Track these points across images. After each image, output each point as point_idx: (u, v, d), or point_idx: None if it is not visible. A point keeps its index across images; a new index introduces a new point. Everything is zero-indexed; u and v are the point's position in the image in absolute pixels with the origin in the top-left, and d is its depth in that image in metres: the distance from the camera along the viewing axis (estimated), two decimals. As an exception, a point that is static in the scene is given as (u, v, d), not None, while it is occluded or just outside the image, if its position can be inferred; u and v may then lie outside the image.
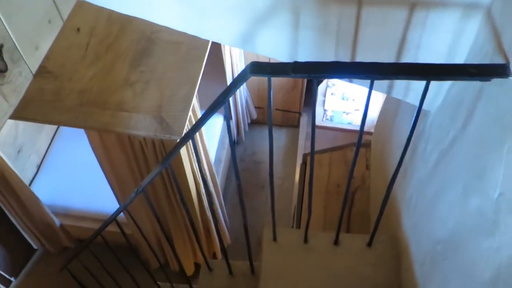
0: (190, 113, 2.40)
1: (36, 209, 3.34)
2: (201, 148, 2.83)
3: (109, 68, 2.39)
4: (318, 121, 3.76)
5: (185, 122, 2.25)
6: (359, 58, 1.38)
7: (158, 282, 2.59)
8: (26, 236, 3.72)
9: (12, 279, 3.83)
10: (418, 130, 1.62)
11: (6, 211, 3.39)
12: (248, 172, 4.49)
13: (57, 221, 3.55)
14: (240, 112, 4.16)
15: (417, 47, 1.24)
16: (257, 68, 1.11)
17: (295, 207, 2.89)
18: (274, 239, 1.86)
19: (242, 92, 3.99)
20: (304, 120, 4.70)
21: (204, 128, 2.79)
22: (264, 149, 4.65)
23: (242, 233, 4.05)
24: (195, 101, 2.51)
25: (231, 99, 3.89)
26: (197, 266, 3.75)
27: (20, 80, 1.02)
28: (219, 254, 3.80)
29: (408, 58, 1.28)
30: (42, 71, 2.32)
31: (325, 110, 4.07)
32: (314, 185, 2.84)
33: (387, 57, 1.32)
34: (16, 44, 0.97)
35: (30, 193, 3.18)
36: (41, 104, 2.26)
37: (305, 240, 1.82)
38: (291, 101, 4.40)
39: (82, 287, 2.81)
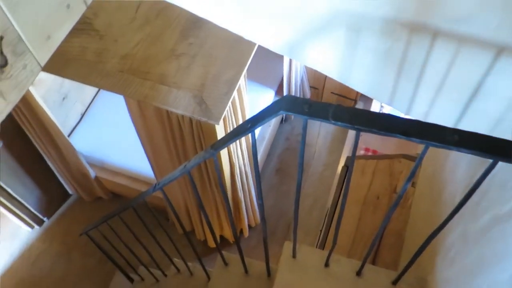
0: (235, 94, 2.26)
1: (73, 159, 3.37)
2: (239, 122, 2.69)
3: (157, 35, 2.26)
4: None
5: (226, 107, 2.11)
6: (421, 96, 1.17)
7: (173, 259, 2.54)
8: (62, 181, 3.80)
9: (45, 219, 3.95)
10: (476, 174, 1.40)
11: (45, 156, 3.45)
12: (291, 152, 4.34)
13: (92, 173, 3.58)
14: (293, 90, 3.97)
15: (492, 95, 1.01)
16: (292, 105, 0.94)
17: (327, 214, 2.72)
18: (294, 256, 1.72)
19: (298, 69, 3.78)
20: (359, 107, 4.44)
21: (249, 105, 2.64)
22: (312, 132, 4.47)
23: (272, 213, 4.04)
24: (242, 83, 2.36)
25: (285, 76, 3.69)
26: (222, 238, 3.71)
27: (24, 74, 0.89)
28: (246, 232, 3.74)
29: (479, 105, 1.06)
30: (88, 28, 2.23)
31: (381, 107, 3.79)
32: (352, 193, 2.67)
33: (456, 100, 1.10)
34: (21, 36, 0.85)
35: (67, 143, 3.19)
36: (82, 64, 2.17)
37: (326, 264, 1.67)
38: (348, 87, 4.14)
39: (101, 250, 2.82)
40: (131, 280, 3.13)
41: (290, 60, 3.53)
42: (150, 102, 2.14)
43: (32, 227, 3.93)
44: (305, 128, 1.03)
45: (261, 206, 1.43)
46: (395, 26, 1.09)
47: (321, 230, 2.75)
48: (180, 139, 2.42)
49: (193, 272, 2.46)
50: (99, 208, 4.01)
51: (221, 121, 2.12)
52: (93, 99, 3.82)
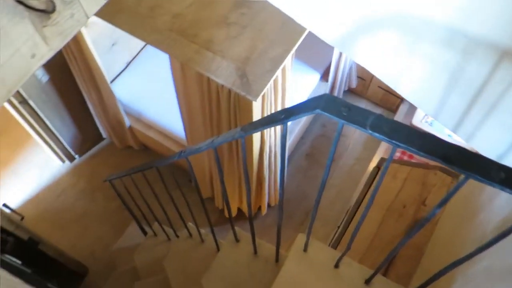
0: (279, 73, 2.21)
1: (111, 105, 3.42)
2: (279, 105, 2.63)
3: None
4: (417, 121, 3.37)
5: (267, 84, 2.06)
6: (472, 115, 1.09)
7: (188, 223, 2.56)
8: (98, 124, 3.88)
9: (76, 156, 4.07)
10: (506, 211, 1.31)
11: (86, 97, 3.51)
12: (325, 139, 4.26)
13: (127, 122, 3.63)
14: (340, 77, 3.86)
15: None
16: (331, 106, 0.89)
17: (348, 211, 2.67)
18: (305, 250, 1.69)
19: (347, 57, 3.66)
20: (404, 108, 4.28)
21: (288, 86, 2.58)
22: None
23: (294, 196, 4.01)
24: (288, 62, 2.29)
25: (334, 61, 3.59)
26: (239, 211, 3.73)
27: (70, 23, 0.88)
28: (264, 210, 3.74)
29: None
30: (146, -19, 2.20)
31: (425, 115, 3.63)
32: (378, 196, 2.59)
33: (509, 126, 1.01)
34: (74, -17, 0.83)
35: (109, 89, 3.23)
36: (133, 16, 2.16)
37: (336, 265, 1.64)
38: (398, 85, 3.99)
39: (121, 199, 2.88)
40: (144, 232, 3.20)
41: (343, 47, 3.41)
42: (193, 66, 2.11)
43: (63, 161, 4.06)
44: (339, 132, 0.97)
45: (281, 195, 1.39)
46: (460, 38, 1.01)
47: (338, 226, 2.70)
48: (216, 108, 2.39)
49: (204, 240, 2.48)
50: (128, 156, 4.10)
51: (260, 98, 2.08)
52: (141, 50, 3.83)
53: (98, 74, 3.10)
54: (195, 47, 2.12)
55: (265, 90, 2.06)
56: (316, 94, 3.86)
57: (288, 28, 2.18)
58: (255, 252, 2.05)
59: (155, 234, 3.02)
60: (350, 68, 3.96)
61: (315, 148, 4.20)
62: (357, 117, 0.89)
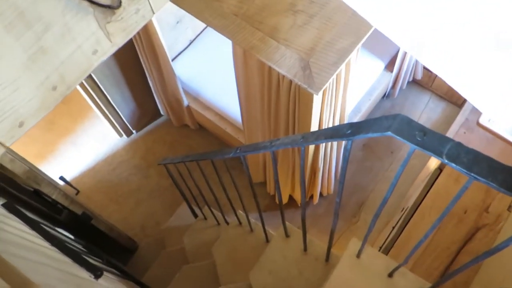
0: (343, 66, 2.10)
1: (171, 83, 3.43)
2: (339, 98, 2.52)
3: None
4: (484, 120, 3.13)
5: (330, 78, 1.96)
6: None
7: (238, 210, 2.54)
8: (157, 101, 3.92)
9: (133, 131, 4.16)
10: None
11: (146, 73, 3.55)
12: (384, 131, 4.10)
13: (185, 101, 3.65)
14: (405, 68, 3.67)
15: None
16: (404, 129, 0.80)
17: (404, 211, 2.54)
18: (358, 255, 1.62)
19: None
20: (470, 104, 4.02)
21: (351, 79, 2.46)
22: (418, 106, 4.17)
23: (347, 187, 3.90)
24: (354, 55, 2.18)
25: (401, 51, 3.40)
26: (290, 198, 3.69)
27: (135, 19, 0.84)
28: (316, 199, 3.67)
29: None
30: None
31: (489, 120, 3.37)
32: (438, 199, 2.46)
33: None
34: (142, -22, 0.78)
35: (170, 66, 3.24)
36: (210, 4, 2.12)
37: (390, 275, 1.56)
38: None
39: (174, 182, 2.90)
40: (195, 214, 3.23)
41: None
42: (256, 54, 2.05)
43: (120, 135, 4.16)
44: (409, 155, 0.89)
45: (337, 204, 1.32)
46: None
47: (393, 227, 2.60)
48: (276, 98, 2.33)
49: (254, 229, 2.46)
50: (184, 135, 4.14)
51: (321, 92, 1.99)
52: (204, 29, 3.80)
53: (160, 52, 3.10)
54: (260, 35, 2.05)
55: (327, 84, 1.97)
56: (379, 84, 3.71)
57: (357, 19, 2.06)
58: (305, 249, 2.00)
59: (205, 218, 3.04)
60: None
61: (373, 139, 4.05)
62: (432, 144, 0.80)
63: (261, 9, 2.09)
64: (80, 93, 3.54)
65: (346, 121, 2.88)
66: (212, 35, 3.75)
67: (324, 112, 2.34)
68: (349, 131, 0.98)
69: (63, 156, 4.22)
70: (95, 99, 3.54)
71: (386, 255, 2.42)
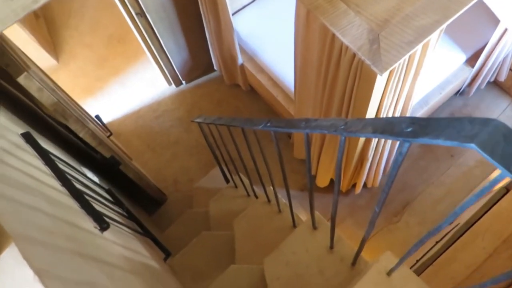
0: (420, 47, 1.78)
1: (228, 38, 3.20)
2: (407, 84, 2.19)
3: None
4: None
5: (401, 59, 1.65)
6: None
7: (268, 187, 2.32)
8: (211, 54, 3.71)
9: (183, 82, 3.99)
10: None
11: (205, 25, 3.32)
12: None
13: (240, 59, 3.41)
14: (490, 64, 3.22)
15: None
16: (498, 145, 0.53)
17: (453, 229, 2.21)
18: (389, 273, 1.36)
19: (508, 45, 3.00)
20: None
21: (426, 65, 2.11)
22: (493, 107, 3.73)
23: (395, 183, 3.57)
24: (435, 37, 1.84)
25: (489, 45, 2.97)
26: (331, 182, 3.43)
27: None
28: (358, 188, 3.38)
29: None
30: None
31: None
32: (495, 221, 2.11)
33: None
34: None
35: (229, 20, 3.00)
36: None
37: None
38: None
39: (208, 144, 2.71)
40: (227, 180, 3.05)
41: (504, 32, 2.78)
42: (320, 16, 1.76)
43: (169, 84, 4.01)
44: (496, 181, 0.60)
45: (375, 214, 1.06)
46: None
47: (437, 242, 2.29)
48: (334, 71, 2.04)
49: (282, 210, 2.24)
50: (233, 96, 3.93)
51: (387, 73, 1.69)
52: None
53: (221, 2, 2.86)
54: (327, -6, 1.75)
55: (396, 64, 1.66)
56: (455, 79, 3.28)
57: (450, -5, 1.71)
58: (331, 247, 1.76)
59: (235, 186, 2.85)
60: (505, 58, 3.28)
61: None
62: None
63: (336, -35, 1.78)
64: (135, 35, 3.38)
65: (408, 113, 2.54)
66: (281, -7, 3.45)
67: (386, 97, 2.03)
68: (409, 129, 0.71)
69: (110, 95, 4.14)
70: (148, 42, 3.37)
71: (422, 272, 2.14)
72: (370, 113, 2.08)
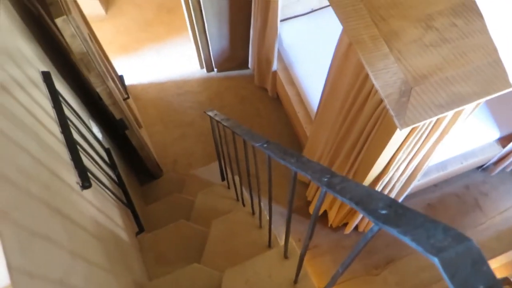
0: (450, 114, 1.72)
1: (269, 41, 3.17)
2: (426, 146, 2.12)
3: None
4: None
5: (426, 119, 1.60)
6: None
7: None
8: (250, 51, 3.69)
9: (215, 69, 3.98)
10: None
11: (252, 23, 3.30)
12: (458, 202, 3.59)
13: (275, 65, 3.38)
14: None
15: None
16: (464, 273, 0.48)
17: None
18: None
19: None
20: None
21: (453, 131, 2.05)
22: (497, 205, 3.61)
23: (389, 237, 3.48)
24: (470, 108, 1.78)
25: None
26: (325, 213, 3.36)
27: None
28: (348, 229, 3.31)
29: None
30: None
31: None
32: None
33: None
34: None
35: (275, 25, 2.97)
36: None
37: None
38: None
39: (214, 139, 2.68)
40: (223, 177, 3.03)
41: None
42: (359, 51, 1.72)
43: (201, 67, 4.01)
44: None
45: (338, 273, 1.01)
46: None
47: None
48: (358, 107, 2.00)
49: (263, 227, 2.20)
50: (258, 98, 3.90)
51: (408, 129, 1.64)
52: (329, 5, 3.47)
53: (273, 5, 2.84)
54: (374, 32, 1.71)
55: (419, 124, 1.61)
56: (482, 153, 3.17)
57: (497, 70, 1.65)
58: (295, 282, 1.72)
59: (228, 187, 2.82)
60: None
61: (442, 202, 3.57)
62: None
63: (392, 5, 1.74)
64: (183, 10, 3.38)
65: (422, 173, 2.47)
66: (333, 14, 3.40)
67: (401, 151, 1.98)
68: (384, 211, 0.66)
69: (143, 59, 4.16)
70: (193, 22, 3.37)
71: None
72: (380, 162, 2.03)
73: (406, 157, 2.10)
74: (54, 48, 2.36)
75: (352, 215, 3.08)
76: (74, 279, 1.24)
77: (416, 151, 2.06)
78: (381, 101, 1.73)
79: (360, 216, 3.00)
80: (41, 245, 1.12)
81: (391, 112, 1.61)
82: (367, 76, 1.76)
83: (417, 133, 1.85)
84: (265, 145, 1.24)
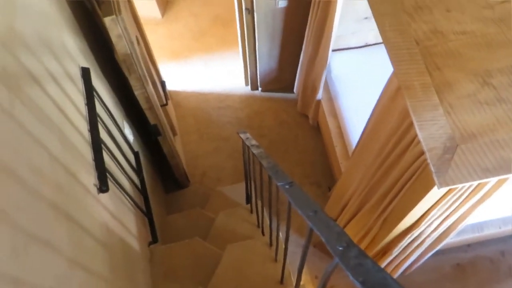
0: (495, 179, 1.58)
1: (318, 68, 3.09)
2: (463, 208, 1.98)
3: (492, 42, 1.63)
4: None
5: (468, 182, 1.46)
6: None
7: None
8: (296, 76, 3.62)
9: (259, 88, 3.94)
10: None
11: (303, 48, 3.24)
12: (491, 265, 3.35)
13: (320, 94, 3.30)
14: None
15: None
16: None
17: None
18: None
19: None
20: None
21: (496, 197, 1.89)
22: None
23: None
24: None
25: None
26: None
27: None
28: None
29: None
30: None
31: None
32: None
33: None
34: None
35: (326, 55, 2.89)
36: (393, 3, 1.72)
37: None
38: None
39: (244, 159, 2.61)
40: (247, 200, 2.95)
41: None
42: (407, 97, 1.61)
43: (246, 84, 3.98)
44: None
45: None
46: None
47: None
48: (397, 155, 1.88)
49: (278, 261, 2.10)
50: (298, 123, 3.82)
51: (445, 189, 1.51)
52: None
53: (327, 34, 2.77)
54: (426, 80, 1.60)
55: (460, 186, 1.48)
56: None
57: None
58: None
59: (251, 211, 2.74)
60: None
61: (473, 264, 3.33)
62: None
63: (450, 55, 1.62)
64: (237, 26, 3.37)
65: (454, 232, 2.30)
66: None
67: (435, 209, 1.84)
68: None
69: (191, 68, 4.17)
70: (245, 39, 3.35)
71: None
72: (413, 215, 1.90)
73: (441, 214, 1.96)
74: (101, 44, 2.37)
75: (379, 260, 2.92)
76: (66, 290, 1.18)
77: (452, 211, 1.92)
78: (422, 153, 1.61)
79: (386, 262, 2.84)
80: (37, 250, 1.07)
81: (431, 168, 1.48)
82: (411, 124, 1.64)
83: (456, 193, 1.71)
84: (287, 186, 1.15)
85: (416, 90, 1.61)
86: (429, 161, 1.52)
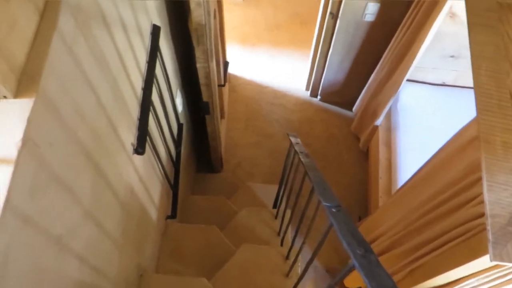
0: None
1: (385, 95, 2.96)
2: (506, 285, 1.80)
3: None
4: None
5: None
6: None
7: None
8: (360, 96, 3.46)
9: (319, 97, 3.80)
10: None
11: (376, 69, 3.09)
12: None
13: (380, 120, 3.13)
14: None
15: None
16: None
17: None
18: None
19: None
20: None
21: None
22: None
23: None
24: None
25: None
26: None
27: None
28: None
29: None
30: None
31: None
32: None
33: None
34: None
35: (399, 82, 2.74)
36: (499, 61, 1.56)
37: None
38: None
39: (285, 165, 2.50)
40: (275, 205, 2.84)
41: None
42: (483, 152, 1.45)
43: (307, 89, 3.88)
44: None
45: None
46: None
47: None
48: (450, 208, 1.72)
49: (290, 276, 1.98)
50: (347, 142, 3.68)
51: (495, 262, 1.34)
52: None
53: (407, 62, 2.61)
54: (510, 140, 1.43)
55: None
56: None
57: None
58: None
59: (276, 216, 2.62)
60: None
61: None
62: None
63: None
64: (315, 28, 3.26)
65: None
66: (464, 98, 3.09)
67: (474, 278, 1.67)
68: None
69: (256, 56, 4.09)
70: (319, 43, 3.23)
71: None
72: (447, 277, 1.73)
73: (479, 285, 1.78)
74: (177, 8, 2.31)
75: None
76: (73, 241, 1.11)
77: (494, 286, 1.73)
78: (482, 215, 1.45)
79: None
80: (56, 193, 1.00)
81: (489, 236, 1.32)
82: (478, 181, 1.49)
83: (504, 270, 1.54)
84: (333, 210, 1.03)
85: (496, 146, 1.45)
86: (488, 227, 1.36)
